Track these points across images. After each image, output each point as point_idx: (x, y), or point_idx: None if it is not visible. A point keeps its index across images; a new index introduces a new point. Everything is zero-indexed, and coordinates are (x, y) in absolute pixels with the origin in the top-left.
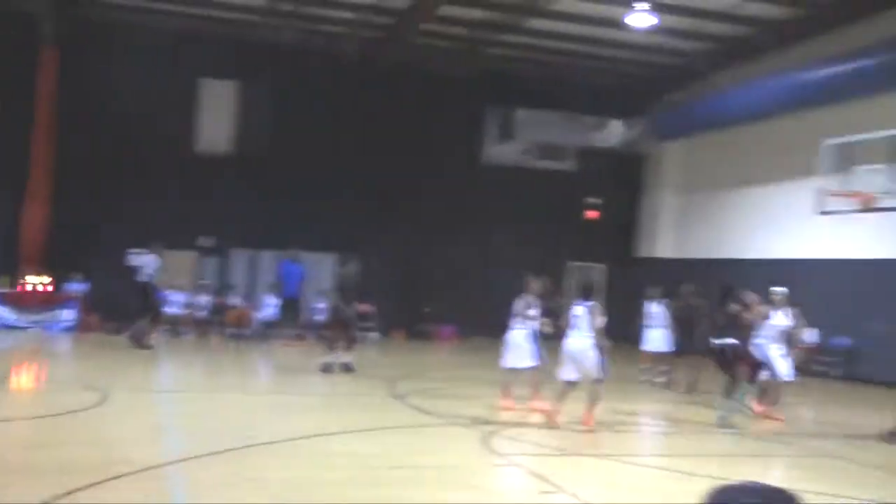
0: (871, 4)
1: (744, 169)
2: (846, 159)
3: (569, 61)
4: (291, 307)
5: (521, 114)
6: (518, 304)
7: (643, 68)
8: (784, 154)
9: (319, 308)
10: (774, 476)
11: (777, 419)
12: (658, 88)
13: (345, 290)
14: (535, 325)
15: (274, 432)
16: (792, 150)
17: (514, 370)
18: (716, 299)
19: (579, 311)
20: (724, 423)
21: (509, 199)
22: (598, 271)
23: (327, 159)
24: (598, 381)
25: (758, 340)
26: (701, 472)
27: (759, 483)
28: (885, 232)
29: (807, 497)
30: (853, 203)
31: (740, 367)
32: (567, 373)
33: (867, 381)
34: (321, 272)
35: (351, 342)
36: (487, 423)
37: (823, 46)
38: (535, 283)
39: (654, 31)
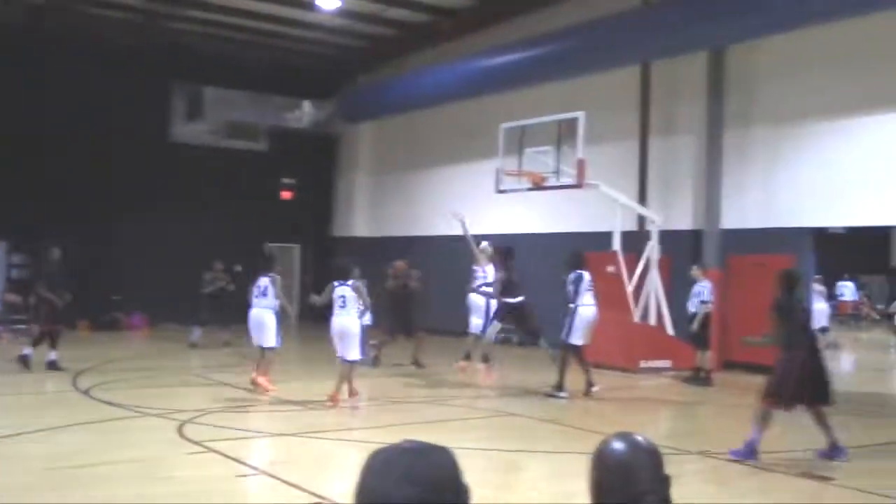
0: None
1: (432, 150)
2: (520, 142)
3: (257, 39)
4: None
5: (210, 92)
6: (262, 283)
7: (332, 49)
8: (468, 136)
9: None
10: (459, 437)
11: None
12: (347, 70)
13: (52, 280)
14: (277, 304)
15: None
16: (475, 133)
17: (260, 348)
18: (498, 261)
19: (345, 291)
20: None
21: (202, 180)
22: (295, 251)
23: None
24: (354, 360)
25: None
26: (391, 440)
27: (416, 441)
28: (550, 208)
29: (479, 452)
30: (526, 182)
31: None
32: (337, 349)
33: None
34: None
35: (56, 336)
36: (180, 411)
37: (501, 35)
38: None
39: (340, 13)
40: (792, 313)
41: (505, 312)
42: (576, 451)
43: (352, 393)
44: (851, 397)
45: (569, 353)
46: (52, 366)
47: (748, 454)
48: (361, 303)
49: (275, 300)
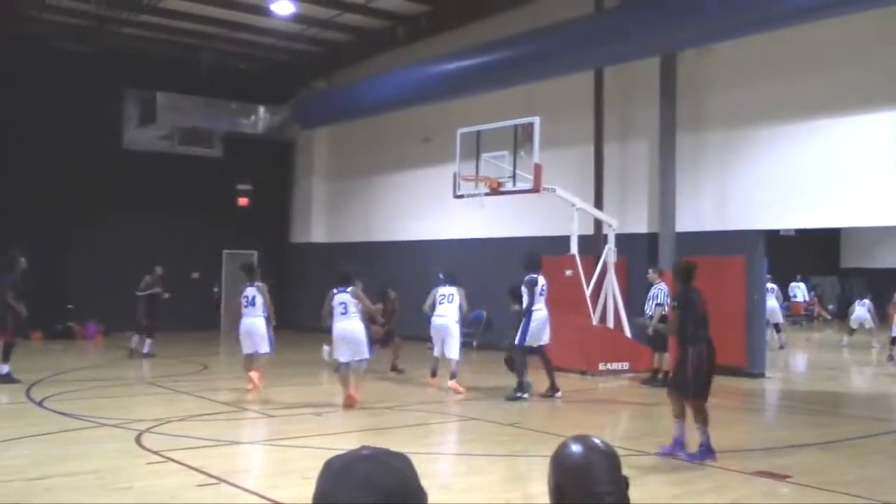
0: (496, 5)
1: (389, 155)
2: (477, 147)
3: (211, 45)
4: None
5: (162, 97)
6: (249, 293)
7: (287, 55)
8: (425, 141)
9: None
10: (423, 441)
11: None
12: (303, 75)
13: (16, 289)
14: (266, 311)
15: None
16: (433, 137)
17: (251, 356)
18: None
19: (345, 297)
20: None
21: (156, 187)
22: (253, 258)
23: None
24: (365, 360)
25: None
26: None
27: (373, 448)
28: (508, 213)
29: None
30: (482, 187)
31: None
32: (342, 354)
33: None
34: None
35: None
36: (138, 421)
37: (456, 41)
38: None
39: (295, 18)
40: (694, 307)
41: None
42: (538, 455)
43: (355, 397)
44: (805, 396)
45: (523, 356)
46: (7, 378)
47: (705, 454)
48: (362, 308)
49: (264, 308)
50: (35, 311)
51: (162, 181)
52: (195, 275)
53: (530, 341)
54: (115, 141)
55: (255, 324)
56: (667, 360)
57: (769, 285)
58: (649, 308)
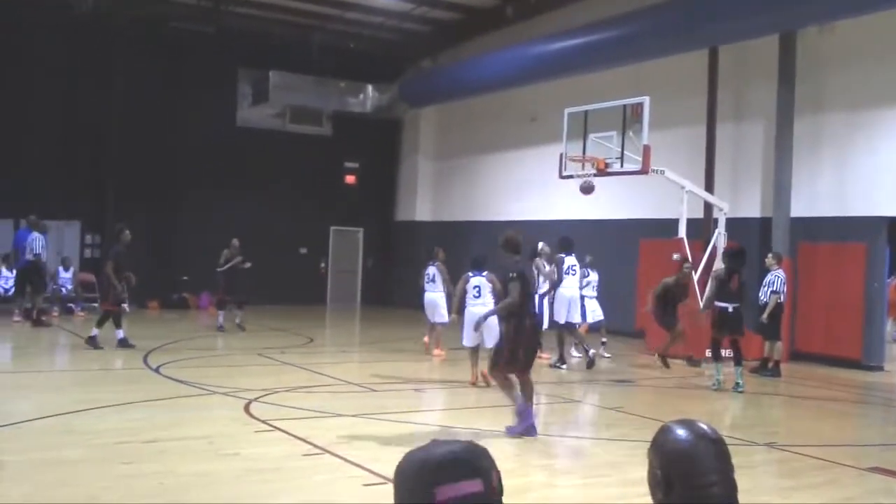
0: None
1: (495, 135)
2: (584, 127)
3: (321, 24)
4: (28, 278)
5: (275, 76)
6: (430, 271)
7: (395, 34)
8: (531, 121)
9: (65, 279)
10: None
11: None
12: (410, 55)
13: (119, 261)
14: (445, 287)
15: (18, 412)
16: (538, 118)
17: (432, 325)
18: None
19: (479, 281)
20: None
21: (267, 164)
22: (359, 235)
23: (67, 121)
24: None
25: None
26: (458, 425)
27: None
28: (615, 195)
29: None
30: (590, 167)
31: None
32: (470, 339)
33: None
34: (66, 241)
35: (117, 316)
36: (247, 390)
37: (564, 19)
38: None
39: None
40: (525, 279)
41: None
42: (640, 440)
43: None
44: None
45: (563, 332)
46: (123, 343)
47: (526, 427)
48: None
49: (443, 284)
50: (152, 282)
51: (273, 158)
52: (303, 250)
53: (561, 317)
54: (229, 119)
55: (435, 298)
56: (778, 349)
57: None
58: (764, 294)
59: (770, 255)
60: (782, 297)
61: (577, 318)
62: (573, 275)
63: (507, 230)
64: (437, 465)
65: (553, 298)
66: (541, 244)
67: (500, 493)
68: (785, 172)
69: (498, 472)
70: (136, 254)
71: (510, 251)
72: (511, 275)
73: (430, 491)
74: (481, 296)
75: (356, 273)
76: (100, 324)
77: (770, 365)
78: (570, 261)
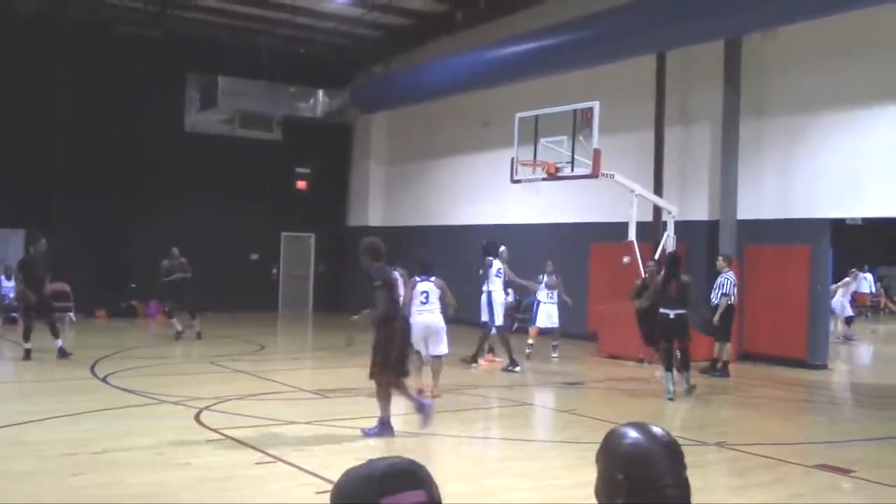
0: None
1: (447, 140)
2: (535, 131)
3: (271, 29)
4: None
5: (224, 81)
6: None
7: (346, 39)
8: (483, 126)
9: (8, 287)
10: (478, 426)
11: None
12: (361, 60)
13: (30, 271)
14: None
15: None
16: (491, 122)
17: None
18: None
19: (427, 286)
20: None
21: (216, 170)
22: (310, 241)
23: (11, 127)
24: (443, 355)
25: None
26: (413, 430)
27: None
28: (566, 198)
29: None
30: (540, 172)
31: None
32: (422, 348)
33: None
34: (10, 249)
35: (52, 325)
36: (198, 399)
37: (515, 25)
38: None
39: (354, 3)
40: (391, 285)
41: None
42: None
43: (435, 390)
44: (869, 389)
45: (503, 334)
46: (27, 355)
47: (383, 430)
48: (444, 299)
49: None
50: (100, 290)
51: (222, 164)
52: (254, 256)
53: (499, 319)
54: (177, 124)
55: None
56: (727, 350)
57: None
58: (715, 297)
59: (720, 258)
60: (732, 299)
61: (498, 322)
62: (499, 277)
63: (367, 237)
64: (382, 477)
65: (490, 301)
66: (502, 248)
67: None
68: (731, 175)
69: (437, 487)
70: (80, 260)
71: (372, 258)
72: (376, 283)
73: (376, 502)
74: (429, 301)
75: (308, 279)
76: (26, 337)
77: (719, 365)
78: (496, 264)
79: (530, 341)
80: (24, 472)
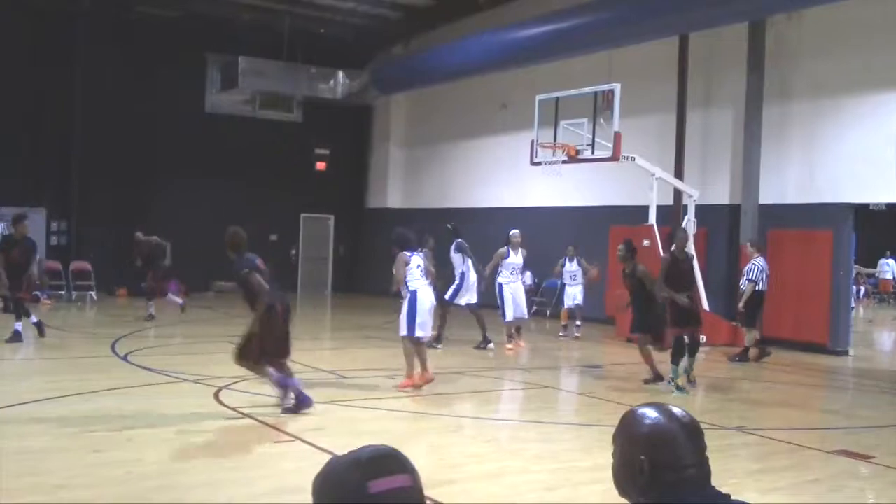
0: None
1: (466, 122)
2: (556, 114)
3: (292, 9)
4: None
5: (244, 62)
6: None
7: (367, 20)
8: (503, 108)
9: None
10: (495, 408)
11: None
12: (381, 41)
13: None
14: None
15: None
16: (510, 104)
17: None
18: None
19: (419, 260)
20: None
21: (236, 150)
22: (329, 222)
23: (32, 107)
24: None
25: (498, 279)
26: (431, 412)
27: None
28: (586, 181)
29: (523, 423)
30: (560, 154)
31: None
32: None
33: None
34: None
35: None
36: (216, 378)
37: (537, 6)
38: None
39: None
40: (259, 270)
41: None
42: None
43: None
44: (891, 375)
45: (475, 311)
46: (14, 337)
47: (300, 404)
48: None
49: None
50: (121, 269)
51: (242, 145)
52: (273, 238)
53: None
54: (197, 105)
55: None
56: (751, 337)
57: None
58: (743, 283)
59: (748, 244)
60: (760, 286)
61: (464, 301)
62: (470, 259)
63: (229, 228)
64: (369, 461)
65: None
66: (514, 231)
67: (422, 494)
68: (754, 160)
69: (418, 475)
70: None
71: (233, 250)
72: (244, 270)
73: (364, 484)
74: (426, 276)
75: (327, 260)
76: (17, 316)
77: (741, 351)
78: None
79: (564, 323)
80: (44, 450)
